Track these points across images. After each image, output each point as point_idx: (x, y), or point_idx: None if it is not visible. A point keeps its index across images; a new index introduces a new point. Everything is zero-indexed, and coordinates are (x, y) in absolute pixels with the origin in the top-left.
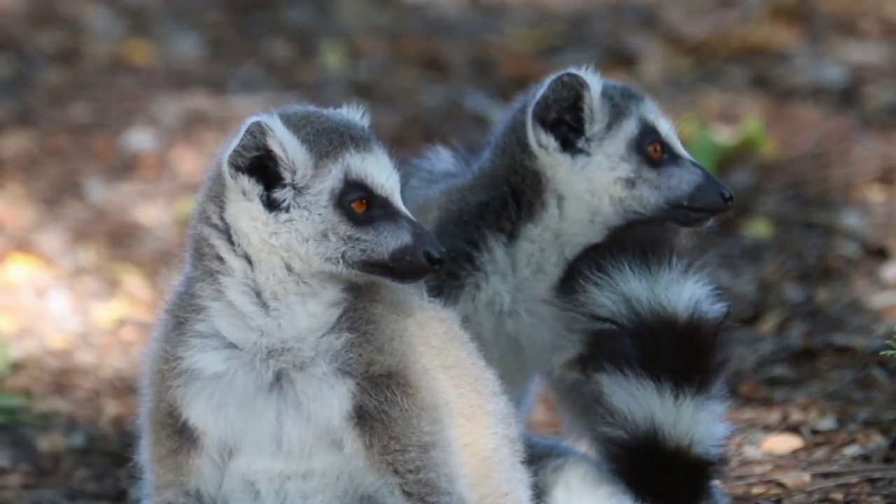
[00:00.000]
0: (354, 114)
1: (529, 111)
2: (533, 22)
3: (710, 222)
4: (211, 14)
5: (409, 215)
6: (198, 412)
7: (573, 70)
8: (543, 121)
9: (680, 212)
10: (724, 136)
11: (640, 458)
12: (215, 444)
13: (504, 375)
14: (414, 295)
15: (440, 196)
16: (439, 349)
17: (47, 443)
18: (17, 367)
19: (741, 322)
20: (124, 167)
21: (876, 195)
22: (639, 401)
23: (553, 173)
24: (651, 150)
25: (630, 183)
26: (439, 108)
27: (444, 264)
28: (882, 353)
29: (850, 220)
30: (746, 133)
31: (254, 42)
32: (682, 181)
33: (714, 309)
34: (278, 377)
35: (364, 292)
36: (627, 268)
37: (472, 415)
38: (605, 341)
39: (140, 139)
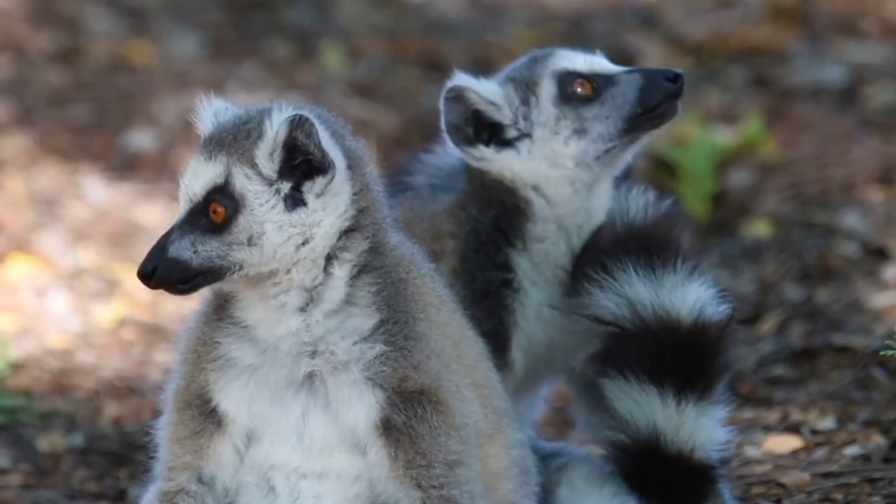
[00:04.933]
0: None
1: (449, 143)
2: (533, 22)
3: (678, 109)
4: (211, 14)
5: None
6: (230, 399)
7: (450, 83)
8: (466, 140)
9: (642, 119)
10: (724, 136)
11: (642, 462)
12: (241, 432)
13: (532, 378)
14: (457, 313)
15: (447, 219)
16: (472, 367)
17: (47, 443)
18: (17, 367)
19: (741, 322)
20: (124, 167)
21: (876, 195)
22: (641, 406)
23: (511, 172)
24: (579, 91)
25: (580, 132)
26: (439, 109)
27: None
28: (882, 353)
29: (850, 220)
30: (746, 133)
31: (254, 42)
32: (625, 94)
33: (718, 312)
34: (310, 376)
35: (408, 308)
36: (632, 270)
37: (492, 434)
38: (610, 344)
39: (140, 139)
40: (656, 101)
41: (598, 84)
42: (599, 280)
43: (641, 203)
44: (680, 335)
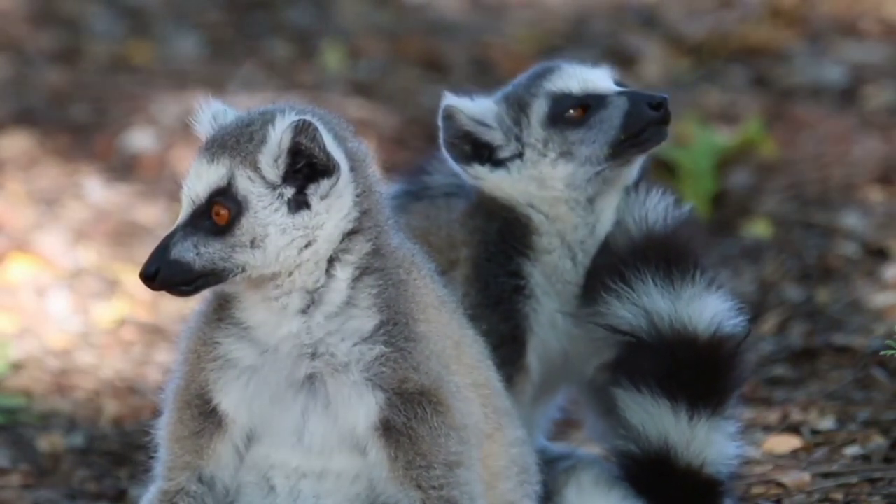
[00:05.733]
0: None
1: (448, 159)
2: (533, 22)
3: (665, 134)
4: (211, 14)
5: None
6: (230, 399)
7: (444, 101)
8: (463, 157)
9: (626, 145)
10: (724, 136)
11: (651, 473)
12: (241, 432)
13: (548, 386)
14: (458, 313)
15: (460, 228)
16: (472, 367)
17: (47, 443)
18: (17, 367)
19: None
20: (124, 167)
21: (876, 195)
22: (653, 418)
23: (502, 192)
24: (571, 115)
25: (567, 154)
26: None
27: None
28: (882, 353)
29: (850, 220)
30: (746, 133)
31: (254, 42)
32: (611, 118)
33: (734, 325)
34: (311, 377)
35: (409, 309)
36: (650, 280)
37: (491, 434)
38: (624, 354)
39: (140, 139)
40: (638, 128)
41: (590, 106)
42: (617, 290)
43: (661, 209)
44: (696, 349)
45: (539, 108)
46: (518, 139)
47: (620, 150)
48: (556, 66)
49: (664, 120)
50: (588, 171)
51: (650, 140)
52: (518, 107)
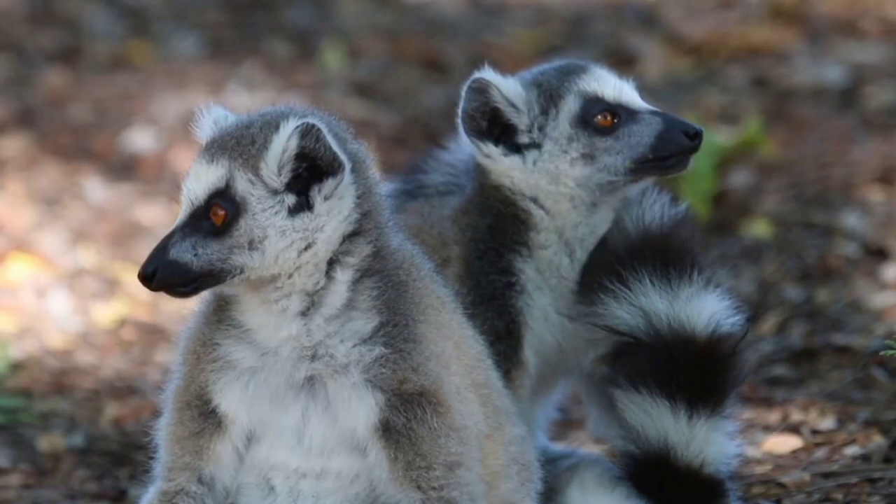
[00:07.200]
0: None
1: (461, 131)
2: (533, 22)
3: (689, 164)
4: (211, 14)
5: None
6: (230, 400)
7: (476, 73)
8: (478, 132)
9: (649, 165)
10: (724, 136)
11: (651, 473)
12: (241, 433)
13: (545, 381)
14: (458, 313)
15: (451, 226)
16: (472, 367)
17: (47, 443)
18: (17, 367)
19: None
20: (124, 167)
21: (876, 195)
22: (653, 419)
23: (510, 180)
24: (599, 120)
25: (588, 158)
26: (439, 108)
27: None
28: (882, 353)
29: (850, 220)
30: (746, 133)
31: (254, 42)
32: (642, 136)
33: (733, 324)
34: (310, 378)
35: (408, 311)
36: (647, 280)
37: (491, 433)
38: (623, 354)
39: (140, 139)
40: (668, 153)
41: (620, 117)
42: (615, 290)
43: (657, 208)
44: (694, 349)
45: (570, 106)
46: (541, 129)
47: (643, 168)
48: (586, 65)
49: (695, 150)
50: (603, 178)
51: (674, 167)
52: (549, 98)
